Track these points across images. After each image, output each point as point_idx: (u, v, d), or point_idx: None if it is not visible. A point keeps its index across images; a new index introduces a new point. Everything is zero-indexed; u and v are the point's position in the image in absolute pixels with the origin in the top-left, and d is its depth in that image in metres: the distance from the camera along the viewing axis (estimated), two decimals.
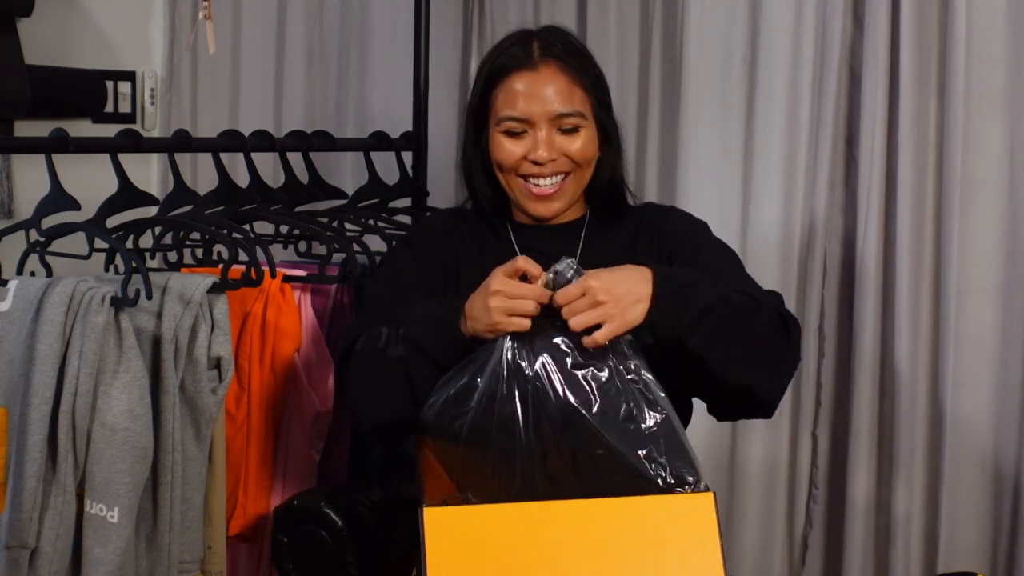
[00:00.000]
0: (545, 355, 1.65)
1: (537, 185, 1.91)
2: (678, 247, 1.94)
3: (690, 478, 1.64)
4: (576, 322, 1.66)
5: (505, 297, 1.68)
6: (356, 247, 2.33)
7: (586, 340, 1.65)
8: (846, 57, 2.59)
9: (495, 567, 1.53)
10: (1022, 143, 2.42)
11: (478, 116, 1.96)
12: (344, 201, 2.63)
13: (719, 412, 1.90)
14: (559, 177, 1.91)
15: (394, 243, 2.35)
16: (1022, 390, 2.45)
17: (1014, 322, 2.45)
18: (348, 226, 2.50)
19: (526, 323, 1.67)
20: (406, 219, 2.67)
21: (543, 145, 1.89)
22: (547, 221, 1.96)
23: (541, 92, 1.89)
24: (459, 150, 2.03)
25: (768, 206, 2.67)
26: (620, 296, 1.66)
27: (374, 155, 2.70)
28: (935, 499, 2.51)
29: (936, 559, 2.51)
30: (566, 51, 1.93)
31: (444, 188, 3.00)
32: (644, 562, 1.54)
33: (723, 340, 1.71)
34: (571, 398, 1.63)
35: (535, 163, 1.90)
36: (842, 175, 2.63)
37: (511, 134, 1.91)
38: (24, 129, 3.12)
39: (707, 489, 1.63)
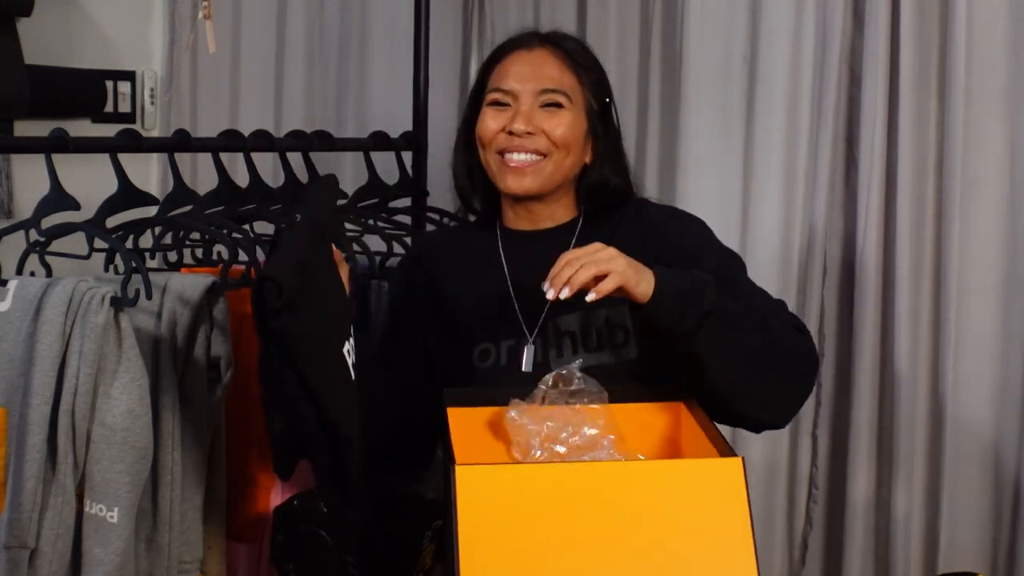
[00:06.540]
0: None
1: (512, 158, 1.89)
2: (677, 258, 1.84)
3: None
4: (578, 277, 1.60)
5: None
6: (356, 247, 2.32)
7: (594, 290, 1.61)
8: (846, 57, 2.59)
9: (525, 526, 1.53)
10: (1022, 143, 2.42)
11: (472, 113, 1.95)
12: (344, 201, 2.63)
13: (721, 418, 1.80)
14: (535, 156, 1.89)
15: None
16: (1022, 390, 2.45)
17: (1014, 322, 2.45)
18: (348, 226, 2.49)
19: None
20: (406, 219, 2.67)
21: (520, 118, 1.88)
22: (523, 200, 1.92)
23: (529, 68, 1.90)
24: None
25: (768, 206, 2.67)
26: (630, 263, 1.63)
27: (374, 155, 2.70)
28: (935, 499, 2.51)
29: (936, 559, 2.51)
30: (570, 46, 1.94)
31: (444, 188, 2.97)
32: (673, 524, 1.55)
33: (720, 352, 1.67)
34: None
35: (511, 134, 1.88)
36: (842, 175, 2.63)
37: (496, 105, 1.91)
38: (24, 129, 3.12)
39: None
